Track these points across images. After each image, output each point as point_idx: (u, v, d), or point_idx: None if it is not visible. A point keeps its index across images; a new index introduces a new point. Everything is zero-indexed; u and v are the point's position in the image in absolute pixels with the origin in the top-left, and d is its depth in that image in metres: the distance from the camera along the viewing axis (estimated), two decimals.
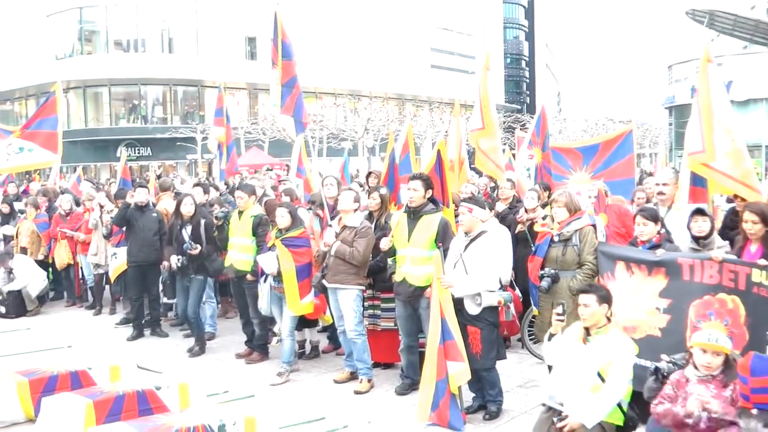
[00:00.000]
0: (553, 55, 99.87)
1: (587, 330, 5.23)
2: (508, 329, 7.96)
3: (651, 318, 5.91)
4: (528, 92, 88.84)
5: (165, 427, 5.30)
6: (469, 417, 6.35)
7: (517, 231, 8.32)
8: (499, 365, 6.74)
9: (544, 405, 5.38)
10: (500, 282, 6.71)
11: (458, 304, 6.31)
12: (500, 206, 8.92)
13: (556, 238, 6.54)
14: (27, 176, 24.99)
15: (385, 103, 55.87)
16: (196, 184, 10.69)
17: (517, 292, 8.07)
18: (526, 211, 8.52)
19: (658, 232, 6.12)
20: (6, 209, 13.04)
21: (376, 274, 7.65)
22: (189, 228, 8.82)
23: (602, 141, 9.94)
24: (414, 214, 6.92)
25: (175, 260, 8.75)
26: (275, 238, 7.83)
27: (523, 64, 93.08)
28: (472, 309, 6.26)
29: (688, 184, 7.11)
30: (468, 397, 6.63)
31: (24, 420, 6.52)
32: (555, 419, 5.11)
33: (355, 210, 7.48)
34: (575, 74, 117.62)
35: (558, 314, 5.42)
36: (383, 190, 8.06)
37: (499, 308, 6.54)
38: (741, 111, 42.45)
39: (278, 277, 7.81)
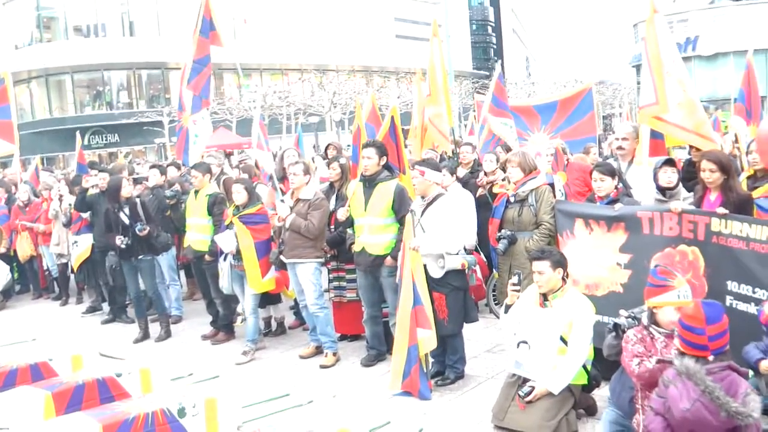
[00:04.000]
0: (519, 20, 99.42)
1: (544, 296, 5.17)
2: (474, 294, 7.87)
3: (612, 274, 5.84)
4: (496, 58, 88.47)
5: (123, 414, 5.15)
6: (435, 385, 6.28)
7: (478, 195, 8.24)
8: (466, 330, 6.69)
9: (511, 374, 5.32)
10: (465, 247, 6.64)
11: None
12: (461, 171, 8.83)
13: (512, 199, 6.44)
14: None
15: (351, 76, 55.36)
16: (153, 166, 10.51)
17: (482, 256, 7.99)
18: (485, 174, 8.44)
19: (616, 187, 6.02)
20: None
21: (337, 245, 7.55)
22: (126, 209, 8.58)
23: (560, 99, 9.79)
24: (369, 183, 6.80)
25: (119, 241, 8.55)
26: (232, 216, 7.69)
27: (490, 30, 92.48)
28: (436, 272, 6.16)
29: (648, 138, 7.03)
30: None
31: None
32: (520, 392, 5.06)
33: (308, 182, 7.35)
34: (543, 38, 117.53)
35: (513, 284, 5.35)
36: (342, 160, 7.94)
37: (466, 272, 6.46)
38: (709, 66, 42.86)
39: (238, 256, 7.68)
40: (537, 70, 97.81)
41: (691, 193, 6.20)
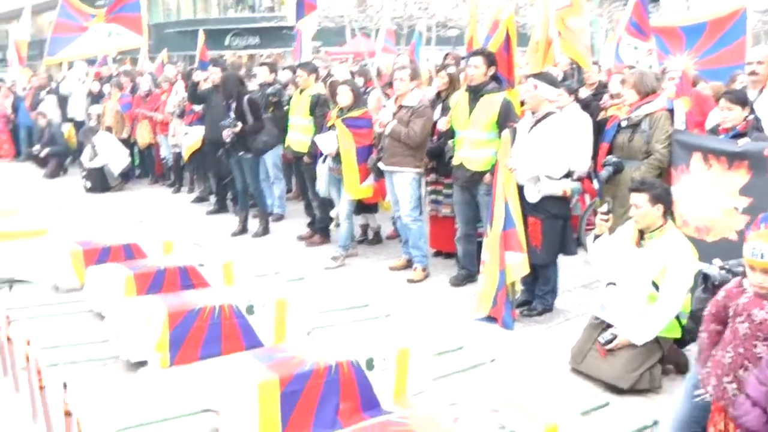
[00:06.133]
0: None
1: (641, 233, 4.59)
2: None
3: (728, 218, 5.12)
4: None
5: (189, 304, 5.09)
6: (520, 315, 5.87)
7: (599, 118, 7.55)
8: (565, 263, 6.21)
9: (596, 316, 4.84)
10: (573, 173, 6.06)
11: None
12: (584, 92, 8.11)
13: (623, 123, 5.76)
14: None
15: None
16: (262, 63, 10.35)
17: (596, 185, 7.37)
18: (611, 97, 7.71)
19: (745, 119, 5.23)
20: (96, 89, 13.39)
21: (438, 157, 7.14)
22: (233, 105, 8.45)
23: (710, 20, 8.75)
24: (474, 93, 6.29)
25: (225, 134, 8.46)
26: (335, 117, 7.41)
27: None
28: (531, 196, 5.65)
29: None
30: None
31: (80, 287, 6.52)
32: (600, 338, 4.59)
33: (413, 89, 6.91)
34: None
35: (602, 213, 4.78)
36: (451, 69, 7.44)
37: (570, 200, 5.93)
38: None
39: (337, 159, 7.43)
40: None
41: None
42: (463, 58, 8.70)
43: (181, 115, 10.61)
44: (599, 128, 7.25)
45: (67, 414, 3.05)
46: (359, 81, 9.67)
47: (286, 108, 8.93)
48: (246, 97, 8.50)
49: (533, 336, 5.52)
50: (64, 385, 3.16)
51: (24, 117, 14.59)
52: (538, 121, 5.75)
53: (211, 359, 4.90)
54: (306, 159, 8.16)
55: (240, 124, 8.32)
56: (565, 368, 4.86)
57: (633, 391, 4.45)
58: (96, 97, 13.36)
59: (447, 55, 9.88)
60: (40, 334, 5.37)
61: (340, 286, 6.84)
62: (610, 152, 5.84)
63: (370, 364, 4.27)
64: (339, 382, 4.14)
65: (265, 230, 8.87)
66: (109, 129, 12.19)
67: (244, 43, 47.22)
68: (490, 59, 6.27)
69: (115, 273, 6.01)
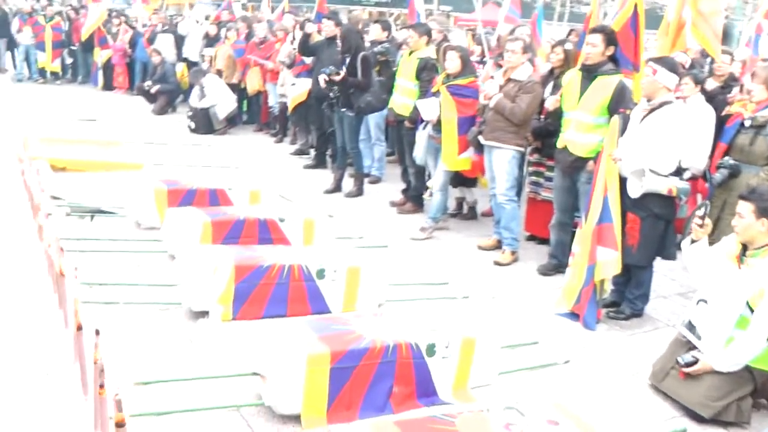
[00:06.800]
0: None
1: (744, 248, 4.10)
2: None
3: None
4: None
5: (258, 260, 4.96)
6: (605, 317, 5.46)
7: (723, 113, 6.91)
8: (662, 267, 5.75)
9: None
10: (685, 170, 5.54)
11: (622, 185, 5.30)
12: (711, 83, 7.46)
13: (747, 123, 5.19)
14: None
15: None
16: (376, 21, 10.10)
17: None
18: (741, 91, 7.04)
19: None
20: (213, 32, 13.54)
21: (543, 137, 6.74)
22: (347, 60, 8.24)
23: None
24: (588, 73, 5.83)
25: (322, 79, 8.26)
26: (441, 83, 7.09)
27: None
28: (634, 191, 5.19)
29: None
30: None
31: (160, 226, 6.53)
32: (679, 359, 4.15)
33: (524, 62, 6.50)
34: None
35: (698, 216, 4.30)
36: (568, 45, 6.97)
37: (676, 201, 5.43)
38: None
39: (437, 127, 7.13)
40: None
41: None
42: None
43: (291, 66, 10.52)
44: (720, 125, 6.65)
45: (96, 362, 2.95)
46: (477, 50, 9.32)
47: (394, 69, 8.67)
48: (361, 54, 8.30)
49: (615, 341, 5.10)
50: (97, 332, 3.06)
51: (141, 52, 14.91)
52: (653, 109, 5.24)
53: (275, 319, 4.78)
54: (407, 123, 7.91)
55: (341, 73, 8.12)
56: (644, 383, 4.45)
57: (716, 421, 4.02)
58: (212, 40, 13.51)
59: (571, 31, 9.32)
60: (106, 269, 5.39)
61: (423, 259, 6.59)
62: (727, 153, 5.29)
63: (431, 350, 4.02)
64: (395, 364, 3.91)
65: (358, 191, 8.70)
66: (219, 72, 12.30)
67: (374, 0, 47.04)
68: (610, 38, 5.78)
69: (193, 217, 5.96)
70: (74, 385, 3.71)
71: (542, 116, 6.76)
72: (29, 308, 4.70)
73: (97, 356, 2.94)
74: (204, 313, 4.78)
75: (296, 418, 3.68)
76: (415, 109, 7.55)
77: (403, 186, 8.54)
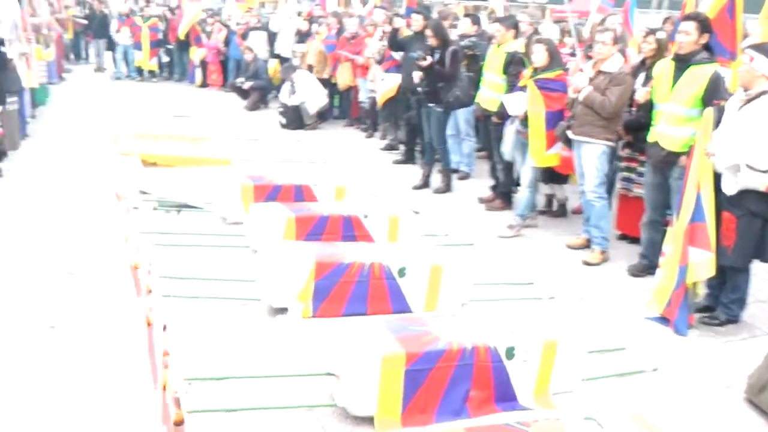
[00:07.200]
0: None
1: None
2: None
3: None
4: None
5: (339, 257, 4.96)
6: (697, 322, 5.19)
7: None
8: (761, 270, 5.44)
9: None
10: None
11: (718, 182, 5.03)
12: None
13: None
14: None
15: None
16: (466, 14, 9.95)
17: None
18: None
19: None
20: (305, 28, 13.69)
21: (636, 131, 6.48)
22: (437, 54, 8.14)
23: None
24: (681, 63, 5.56)
25: (417, 81, 8.19)
26: (528, 78, 6.93)
27: None
28: (729, 188, 4.90)
29: None
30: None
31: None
32: None
33: (614, 53, 6.26)
34: None
35: None
36: (661, 34, 6.67)
37: None
38: None
39: (525, 122, 6.98)
40: None
41: None
42: None
43: (380, 61, 10.51)
44: None
45: (165, 354, 3.00)
46: (568, 42, 9.07)
47: (481, 63, 8.52)
48: (451, 48, 8.21)
49: (708, 349, 4.85)
50: (164, 327, 3.11)
51: (235, 50, 15.23)
52: (750, 100, 4.92)
53: (354, 318, 4.76)
54: (494, 119, 7.77)
55: (428, 58, 8.06)
56: (739, 396, 4.20)
57: None
58: (303, 36, 13.64)
59: (666, 19, 8.95)
60: (190, 263, 5.50)
61: (509, 257, 6.47)
62: None
63: (510, 353, 3.92)
64: (473, 367, 3.83)
65: (447, 187, 8.63)
66: (310, 68, 12.42)
67: None
68: (704, 25, 5.49)
69: (277, 213, 6.01)
70: (145, 380, 3.79)
71: (633, 108, 6.51)
72: (109, 301, 4.85)
73: (164, 351, 2.98)
74: (284, 310, 4.82)
75: (370, 420, 3.65)
76: (503, 104, 7.40)
77: (492, 182, 8.41)
